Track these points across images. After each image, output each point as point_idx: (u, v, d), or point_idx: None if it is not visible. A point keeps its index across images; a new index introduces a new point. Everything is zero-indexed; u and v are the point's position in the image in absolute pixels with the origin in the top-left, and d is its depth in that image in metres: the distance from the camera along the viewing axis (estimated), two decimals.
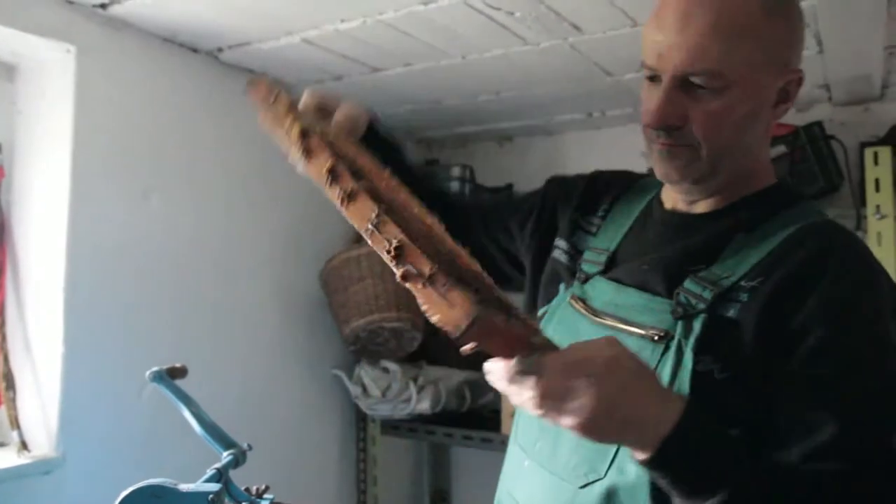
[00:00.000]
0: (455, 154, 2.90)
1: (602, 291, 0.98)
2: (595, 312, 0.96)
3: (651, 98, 0.90)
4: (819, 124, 2.06)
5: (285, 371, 2.32)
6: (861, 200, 2.02)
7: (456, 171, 2.56)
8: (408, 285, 0.70)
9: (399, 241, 0.71)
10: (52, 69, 1.74)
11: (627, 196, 1.09)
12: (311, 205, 2.33)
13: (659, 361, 0.86)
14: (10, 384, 1.71)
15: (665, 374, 0.85)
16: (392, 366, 2.35)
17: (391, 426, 2.55)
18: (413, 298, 0.72)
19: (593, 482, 0.87)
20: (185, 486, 0.84)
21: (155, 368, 1.27)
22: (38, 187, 1.76)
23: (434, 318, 0.68)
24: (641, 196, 1.07)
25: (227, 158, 2.12)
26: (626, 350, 0.75)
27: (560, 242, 1.10)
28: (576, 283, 1.03)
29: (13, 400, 1.71)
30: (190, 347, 1.97)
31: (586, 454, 0.89)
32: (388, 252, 0.71)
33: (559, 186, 1.18)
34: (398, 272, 0.70)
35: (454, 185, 2.54)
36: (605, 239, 1.05)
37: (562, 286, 1.06)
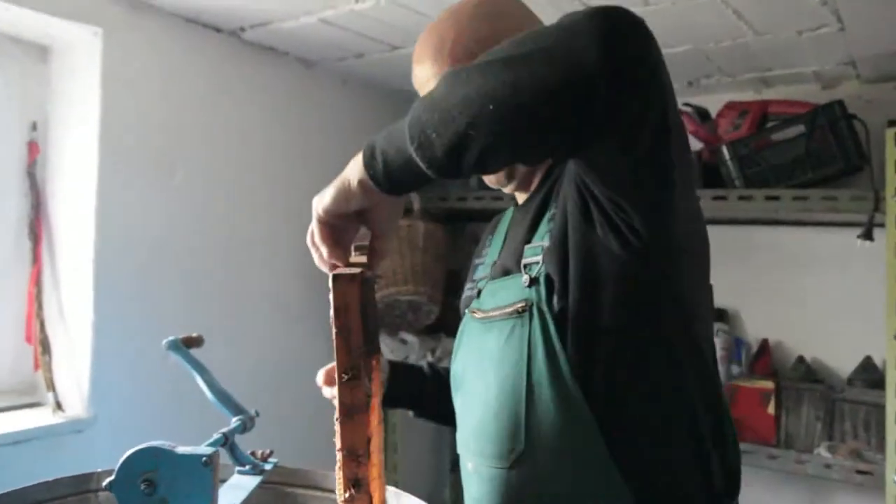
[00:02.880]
0: None
1: (487, 293, 1.07)
2: (479, 312, 1.06)
3: None
4: (840, 103, 2.03)
5: (306, 341, 2.40)
6: (882, 182, 1.99)
7: None
8: None
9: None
10: (80, 51, 1.83)
11: (501, 219, 1.22)
12: (331, 179, 2.39)
13: (529, 329, 0.94)
14: (46, 349, 1.82)
15: (536, 337, 0.92)
16: (410, 337, 2.42)
17: None
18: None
19: (519, 458, 0.94)
20: (181, 449, 0.91)
21: (171, 337, 1.35)
22: (69, 164, 1.86)
23: None
24: (508, 212, 1.20)
25: (249, 135, 2.19)
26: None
27: (467, 285, 1.20)
28: (474, 298, 1.11)
29: (49, 363, 1.82)
30: (213, 317, 2.07)
31: (506, 434, 0.96)
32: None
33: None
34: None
35: None
36: (491, 254, 1.15)
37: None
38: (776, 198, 2.01)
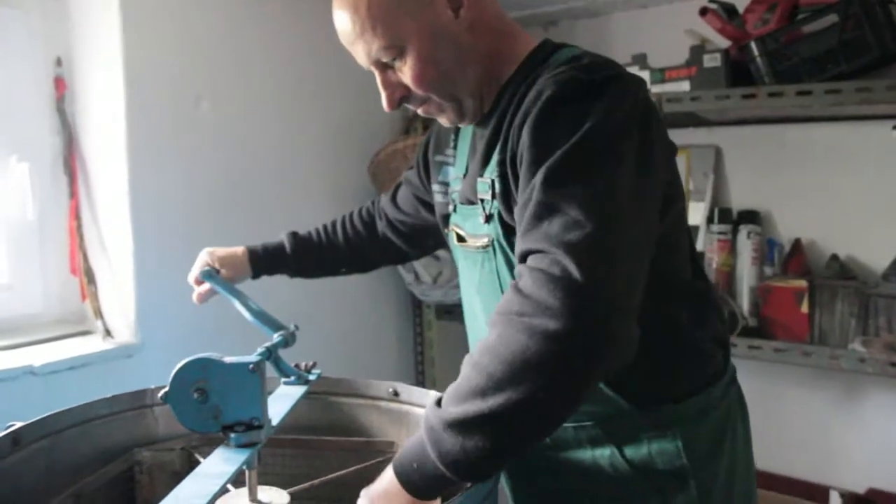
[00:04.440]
0: None
1: (460, 215, 1.10)
2: (461, 237, 1.09)
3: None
4: None
5: None
6: None
7: None
8: None
9: None
10: None
11: None
12: (357, 101, 2.38)
13: (496, 262, 0.98)
14: (91, 279, 1.89)
15: (503, 270, 0.98)
16: (443, 253, 2.44)
17: (445, 310, 2.67)
18: None
19: None
20: (229, 359, 0.95)
21: (206, 267, 1.40)
22: (97, 98, 1.88)
23: None
24: None
25: (273, 60, 2.18)
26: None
27: (434, 186, 1.20)
28: (451, 213, 1.13)
29: (95, 293, 1.89)
30: (249, 239, 2.10)
31: None
32: None
33: (423, 141, 1.30)
34: None
35: None
36: (459, 165, 1.13)
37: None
38: (808, 92, 1.95)
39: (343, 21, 0.99)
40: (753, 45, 2.03)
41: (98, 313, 1.87)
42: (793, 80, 2.00)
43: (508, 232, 0.95)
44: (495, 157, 0.97)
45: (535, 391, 0.74)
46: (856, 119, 2.19)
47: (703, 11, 2.15)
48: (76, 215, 1.89)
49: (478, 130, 1.07)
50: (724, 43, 2.19)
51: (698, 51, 2.13)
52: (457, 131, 1.17)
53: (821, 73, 1.98)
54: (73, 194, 1.89)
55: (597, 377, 0.79)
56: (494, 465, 0.82)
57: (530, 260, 0.81)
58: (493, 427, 0.76)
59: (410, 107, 1.04)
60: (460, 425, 0.78)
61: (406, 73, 0.98)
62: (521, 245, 0.84)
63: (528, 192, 0.85)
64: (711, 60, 2.09)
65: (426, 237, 1.40)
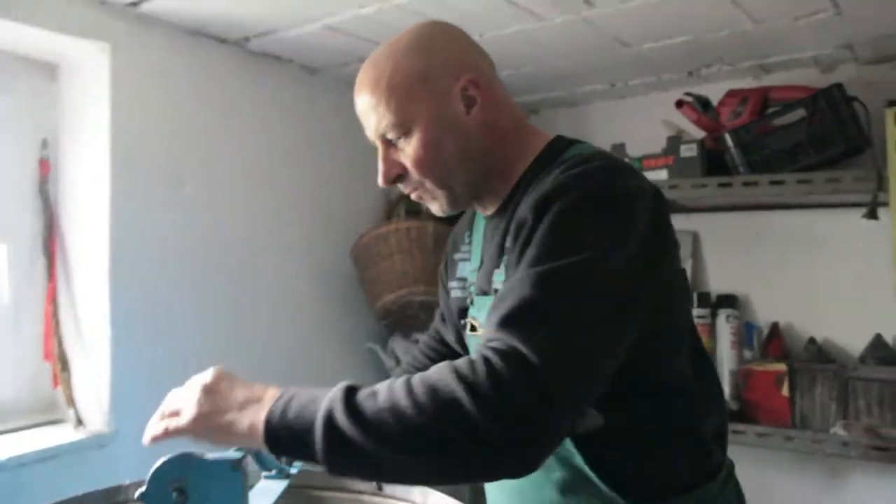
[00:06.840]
0: None
1: (476, 307, 1.10)
2: (474, 327, 1.10)
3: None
4: (839, 86, 2.04)
5: (321, 345, 2.42)
6: (884, 162, 2.01)
7: None
8: None
9: None
10: (89, 67, 1.85)
11: (475, 217, 1.20)
12: (340, 185, 2.41)
13: None
14: (65, 365, 1.84)
15: None
16: (423, 337, 2.42)
17: None
18: None
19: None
20: (210, 455, 0.93)
21: None
22: (81, 179, 1.88)
23: None
24: (479, 215, 1.18)
25: (256, 143, 2.21)
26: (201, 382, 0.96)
27: (452, 283, 1.20)
28: (469, 306, 1.13)
29: (68, 380, 1.84)
30: (229, 326, 2.09)
31: None
32: None
33: (443, 257, 1.30)
34: None
35: None
36: (475, 258, 1.15)
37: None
38: (780, 182, 2.02)
39: (363, 91, 1.02)
40: (728, 136, 2.10)
41: (70, 401, 1.82)
42: (766, 169, 2.07)
43: None
44: (506, 247, 0.98)
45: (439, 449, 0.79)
46: (827, 207, 2.26)
47: (679, 104, 2.23)
48: (53, 299, 1.86)
49: (491, 222, 1.09)
50: (699, 133, 2.26)
51: (675, 141, 2.20)
52: (470, 226, 1.19)
53: (792, 163, 2.05)
54: (51, 277, 1.86)
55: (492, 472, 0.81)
56: (354, 470, 0.86)
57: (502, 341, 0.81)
58: (381, 452, 0.82)
59: (404, 189, 1.06)
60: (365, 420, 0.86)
61: (408, 153, 1.00)
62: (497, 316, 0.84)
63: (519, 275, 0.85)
64: (688, 150, 2.16)
65: None
